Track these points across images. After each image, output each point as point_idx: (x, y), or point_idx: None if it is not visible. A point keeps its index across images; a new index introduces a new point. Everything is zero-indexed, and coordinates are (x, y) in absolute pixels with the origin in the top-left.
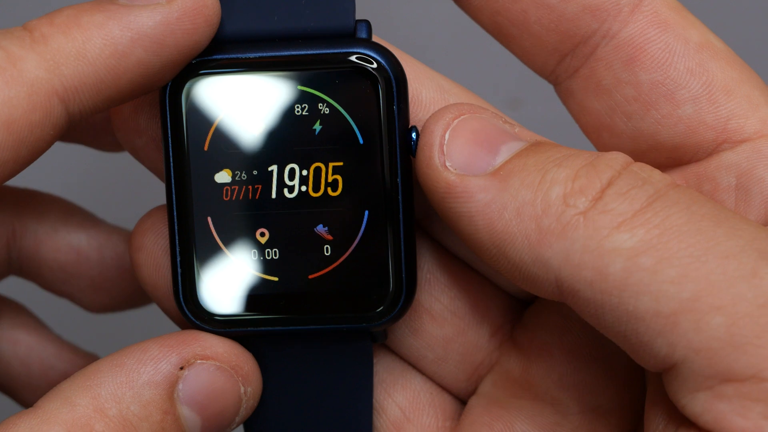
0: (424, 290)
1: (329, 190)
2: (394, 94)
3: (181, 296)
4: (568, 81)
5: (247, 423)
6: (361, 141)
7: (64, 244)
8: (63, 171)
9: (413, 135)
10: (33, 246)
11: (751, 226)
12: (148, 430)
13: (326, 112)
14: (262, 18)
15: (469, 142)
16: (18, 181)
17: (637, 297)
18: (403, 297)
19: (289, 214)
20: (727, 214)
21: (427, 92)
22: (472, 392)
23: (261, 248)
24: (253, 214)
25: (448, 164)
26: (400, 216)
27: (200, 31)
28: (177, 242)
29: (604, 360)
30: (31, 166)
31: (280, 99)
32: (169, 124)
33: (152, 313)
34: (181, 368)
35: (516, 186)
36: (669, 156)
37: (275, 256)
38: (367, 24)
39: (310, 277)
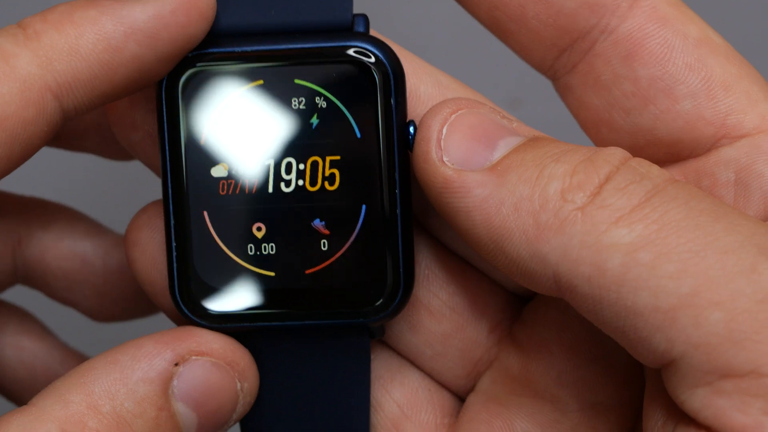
0: (422, 286)
1: (326, 184)
2: (392, 87)
3: (177, 292)
4: (567, 76)
5: (243, 419)
6: (359, 135)
7: (69, 252)
8: (69, 179)
9: (411, 129)
10: (38, 253)
11: (750, 222)
12: (143, 427)
13: (323, 106)
14: (259, 11)
15: (466, 137)
16: (24, 189)
17: (635, 292)
18: (401, 292)
19: (286, 208)
20: (726, 210)
21: (424, 87)
22: (471, 389)
23: (257, 243)
24: (250, 208)
25: (445, 159)
26: (398, 210)
27: (195, 25)
28: (173, 237)
29: (604, 357)
30: (37, 174)
31: (277, 93)
32: (165, 118)
33: (159, 322)
34: (176, 364)
35: (514, 181)
36: (667, 151)
37: (272, 250)
38: (365, 18)
39: (307, 272)
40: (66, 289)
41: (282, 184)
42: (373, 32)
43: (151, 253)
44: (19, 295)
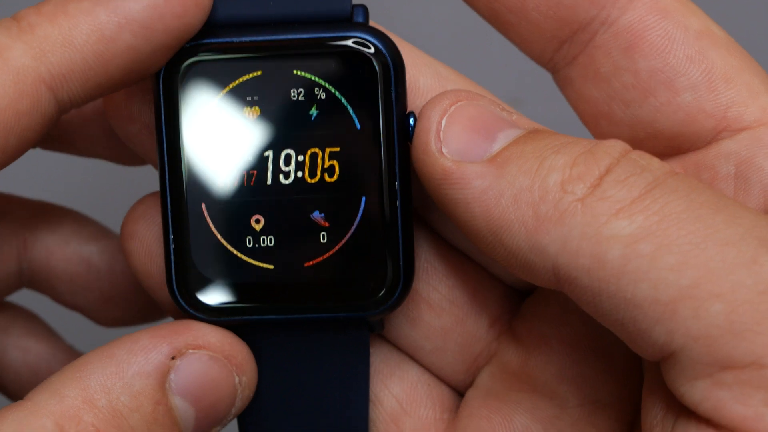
0: (421, 279)
1: (326, 176)
2: (392, 78)
3: (174, 284)
4: (567, 69)
5: (241, 413)
6: (358, 126)
7: (74, 256)
8: (75, 183)
9: (411, 121)
10: (44, 257)
11: (750, 214)
12: (139, 421)
13: (323, 97)
14: (257, 1)
15: (466, 128)
16: (30, 193)
17: (635, 284)
18: (401, 285)
19: (285, 200)
20: (727, 202)
21: (424, 79)
22: (470, 384)
23: (256, 235)
24: (248, 200)
25: (444, 150)
26: (398, 203)
27: (190, 15)
28: (170, 229)
29: (603, 353)
30: (43, 177)
31: (276, 84)
32: (162, 110)
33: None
34: (173, 358)
35: (513, 172)
36: (667, 144)
37: (270, 243)
38: (364, 8)
39: (306, 264)
40: (71, 292)
41: (281, 176)
42: (372, 23)
43: (148, 246)
44: (27, 298)
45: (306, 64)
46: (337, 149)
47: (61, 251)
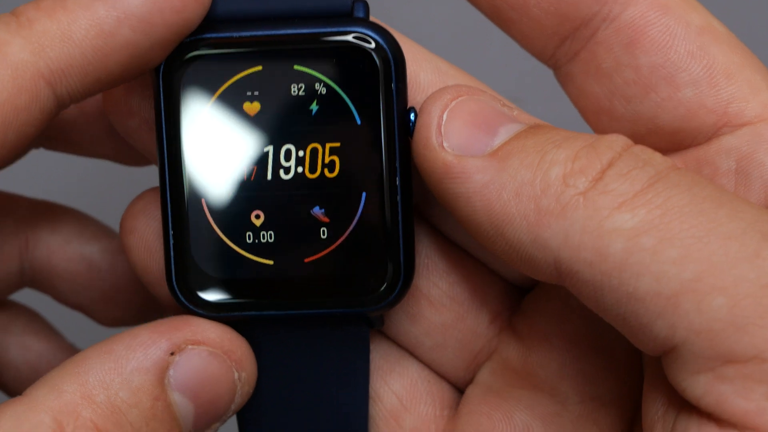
0: (422, 275)
1: (326, 171)
2: (392, 73)
3: (173, 280)
4: (568, 65)
5: (240, 410)
6: (359, 121)
7: (76, 255)
8: (77, 182)
9: (411, 116)
10: (45, 256)
11: (753, 208)
12: (138, 417)
13: (323, 92)
14: None
15: (467, 123)
16: (31, 192)
17: (637, 278)
18: (401, 281)
19: (285, 195)
20: (729, 196)
21: (425, 74)
22: (470, 381)
23: (256, 231)
24: (248, 195)
25: (445, 145)
26: (399, 198)
27: (190, 9)
28: (170, 225)
29: (604, 349)
30: (45, 176)
31: (276, 79)
32: (162, 105)
33: None
34: (172, 354)
35: (515, 166)
36: (668, 140)
37: (270, 238)
38: (365, 3)
39: (306, 260)
40: (73, 292)
41: (281, 171)
42: (372, 18)
43: (147, 241)
44: (29, 296)
45: (306, 60)
46: (338, 145)
47: (63, 250)
